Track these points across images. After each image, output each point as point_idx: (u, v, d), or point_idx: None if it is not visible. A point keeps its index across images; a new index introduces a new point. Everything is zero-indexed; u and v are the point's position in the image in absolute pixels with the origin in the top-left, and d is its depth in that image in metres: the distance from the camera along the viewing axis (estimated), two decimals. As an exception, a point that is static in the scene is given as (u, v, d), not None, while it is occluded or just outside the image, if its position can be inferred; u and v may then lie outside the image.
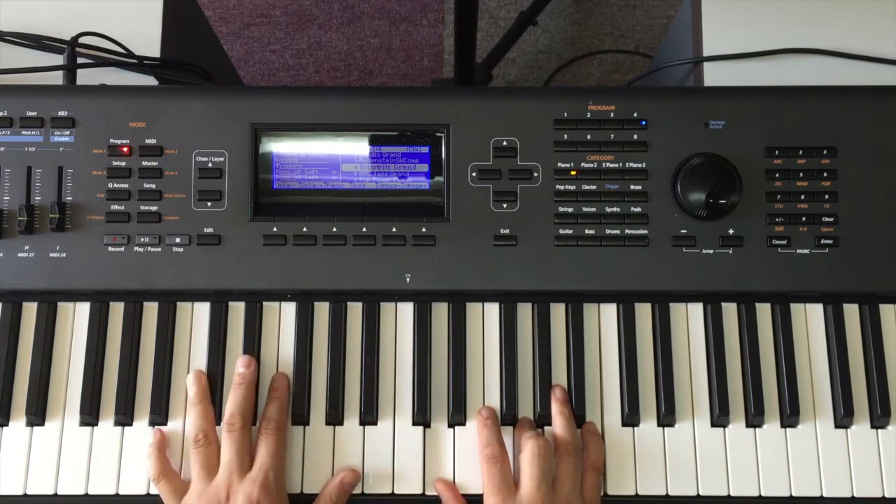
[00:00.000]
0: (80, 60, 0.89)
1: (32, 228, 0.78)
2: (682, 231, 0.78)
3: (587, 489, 0.74)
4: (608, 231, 0.79)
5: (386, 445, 0.77)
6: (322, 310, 0.80)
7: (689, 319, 0.80)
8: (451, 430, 0.77)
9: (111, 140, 0.80)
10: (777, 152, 0.79)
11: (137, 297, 0.80)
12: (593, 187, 0.79)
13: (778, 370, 0.79)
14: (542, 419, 0.77)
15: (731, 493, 0.76)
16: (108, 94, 0.81)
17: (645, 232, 0.79)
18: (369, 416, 0.77)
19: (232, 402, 0.75)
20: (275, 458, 0.73)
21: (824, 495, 0.76)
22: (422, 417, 0.77)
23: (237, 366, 0.77)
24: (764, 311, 0.80)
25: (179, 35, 0.97)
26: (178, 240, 0.78)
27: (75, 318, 0.80)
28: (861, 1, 0.95)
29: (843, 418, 0.77)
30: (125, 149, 0.79)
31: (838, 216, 0.79)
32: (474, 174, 0.79)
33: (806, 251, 0.78)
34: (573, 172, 0.79)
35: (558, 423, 0.76)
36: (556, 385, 0.78)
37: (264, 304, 0.80)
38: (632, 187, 0.79)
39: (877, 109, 0.80)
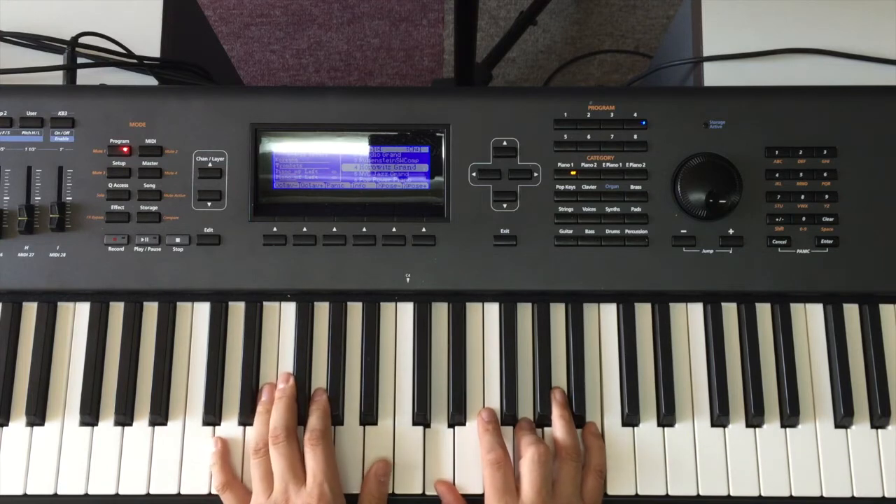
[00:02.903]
0: (80, 60, 0.89)
1: (32, 228, 0.78)
2: (682, 231, 0.78)
3: (588, 492, 0.74)
4: (608, 231, 0.79)
5: (386, 445, 0.77)
6: (322, 310, 0.80)
7: (689, 319, 0.80)
8: (451, 430, 0.77)
9: (111, 140, 0.80)
10: (777, 152, 0.79)
11: (137, 297, 0.80)
12: (593, 187, 0.79)
13: (778, 370, 0.79)
14: (542, 420, 0.77)
15: (731, 493, 0.76)
16: (108, 94, 0.81)
17: (645, 232, 0.79)
18: (369, 416, 0.77)
19: (274, 416, 0.75)
20: (325, 467, 0.73)
21: (824, 495, 0.76)
22: (422, 417, 0.77)
23: (278, 382, 0.77)
24: (764, 311, 0.80)
25: (179, 35, 0.97)
26: (178, 240, 0.78)
27: (75, 318, 0.80)
28: (861, 1, 0.95)
29: (843, 418, 0.77)
30: (125, 149, 0.79)
31: (838, 216, 0.79)
32: (474, 174, 0.79)
33: (806, 251, 0.78)
34: (573, 172, 0.79)
35: (558, 427, 0.76)
36: (556, 387, 0.78)
37: (264, 304, 0.80)
38: (632, 187, 0.79)
39: (877, 109, 0.80)
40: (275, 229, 0.79)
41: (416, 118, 0.80)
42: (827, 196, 0.79)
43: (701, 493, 0.76)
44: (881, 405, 0.77)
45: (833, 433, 0.77)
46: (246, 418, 0.77)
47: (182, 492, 0.76)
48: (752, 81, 0.90)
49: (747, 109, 0.80)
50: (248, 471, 0.76)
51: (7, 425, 0.77)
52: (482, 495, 0.75)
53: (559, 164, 0.79)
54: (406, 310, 0.80)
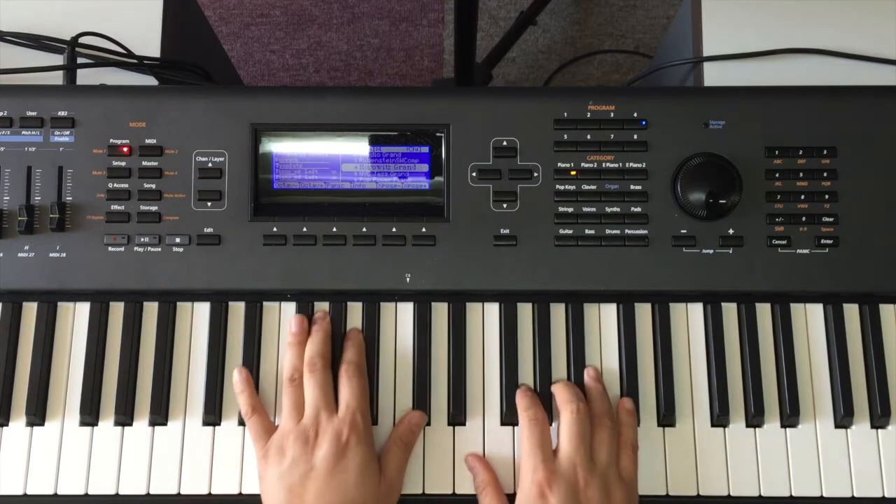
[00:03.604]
0: (80, 60, 0.89)
1: (32, 228, 0.78)
2: (682, 231, 0.78)
3: (623, 466, 0.74)
4: (608, 231, 0.79)
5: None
6: (322, 310, 0.80)
7: (689, 319, 0.80)
8: (451, 429, 0.78)
9: (111, 140, 0.80)
10: (777, 152, 0.79)
11: (137, 297, 0.80)
12: (593, 187, 0.79)
13: (778, 370, 0.79)
14: (542, 419, 0.77)
15: (731, 493, 0.76)
16: (108, 94, 0.81)
17: (645, 232, 0.79)
18: (370, 416, 0.77)
19: (311, 346, 0.77)
20: (360, 398, 0.74)
21: (824, 495, 0.76)
22: (422, 417, 0.77)
23: (314, 319, 0.79)
24: (764, 311, 0.80)
25: (179, 35, 0.97)
26: (178, 240, 0.78)
27: (75, 318, 0.80)
28: (861, 1, 0.95)
29: (843, 418, 0.77)
30: (125, 149, 0.79)
31: (838, 216, 0.79)
32: (474, 174, 0.79)
33: (806, 251, 0.78)
34: (573, 172, 0.79)
35: (594, 395, 0.76)
36: (590, 366, 0.78)
37: (264, 304, 0.80)
38: (632, 187, 0.79)
39: (877, 109, 0.80)
40: (275, 229, 0.79)
41: (416, 118, 0.80)
42: (827, 196, 0.79)
43: (701, 493, 0.76)
44: (881, 405, 0.77)
45: (833, 433, 0.77)
46: (246, 418, 0.77)
47: (182, 492, 0.76)
48: (752, 81, 0.90)
49: (747, 109, 0.80)
50: (250, 459, 0.76)
51: (7, 425, 0.77)
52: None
53: (559, 164, 0.79)
54: (406, 310, 0.80)
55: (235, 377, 0.77)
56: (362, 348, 0.78)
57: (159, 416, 0.77)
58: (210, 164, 0.79)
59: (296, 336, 0.78)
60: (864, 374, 0.79)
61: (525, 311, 0.80)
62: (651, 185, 0.79)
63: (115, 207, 0.79)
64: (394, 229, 0.79)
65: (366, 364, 0.78)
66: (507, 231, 0.79)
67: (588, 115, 0.80)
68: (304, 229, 0.79)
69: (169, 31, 0.94)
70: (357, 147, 0.80)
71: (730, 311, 0.80)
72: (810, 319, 0.80)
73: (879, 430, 0.77)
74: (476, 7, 1.22)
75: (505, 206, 0.79)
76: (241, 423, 0.77)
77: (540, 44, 1.70)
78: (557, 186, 0.79)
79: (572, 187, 0.79)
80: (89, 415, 0.77)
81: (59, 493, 0.76)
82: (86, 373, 0.78)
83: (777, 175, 0.79)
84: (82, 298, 0.80)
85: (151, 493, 0.76)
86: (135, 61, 0.91)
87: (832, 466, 0.76)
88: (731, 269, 0.78)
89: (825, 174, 0.79)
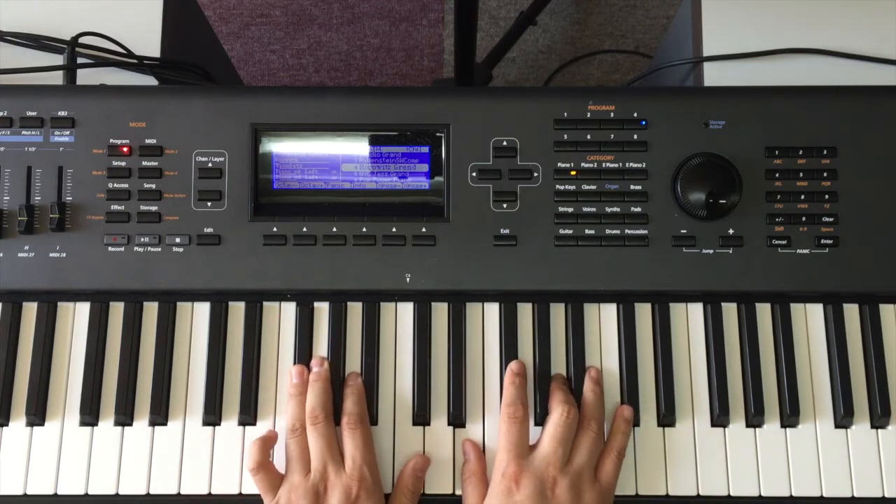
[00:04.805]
0: (80, 60, 0.89)
1: (32, 228, 0.78)
2: (682, 231, 0.78)
3: (603, 471, 0.74)
4: (608, 231, 0.79)
5: (386, 445, 0.77)
6: (322, 310, 0.80)
7: (689, 319, 0.80)
8: (451, 429, 0.78)
9: (111, 140, 0.80)
10: (777, 152, 0.79)
11: (137, 297, 0.80)
12: (593, 187, 0.79)
13: (778, 370, 0.79)
14: (541, 419, 0.77)
15: (731, 493, 0.76)
16: (108, 94, 0.81)
17: (645, 232, 0.79)
18: (369, 416, 0.77)
19: (311, 397, 0.76)
20: (364, 450, 0.74)
21: (824, 495, 0.76)
22: (422, 417, 0.77)
23: (312, 365, 0.78)
24: (764, 311, 0.80)
25: (179, 35, 0.97)
26: (178, 240, 0.78)
27: (75, 318, 0.80)
28: (861, 1, 0.95)
29: (843, 418, 0.77)
30: (125, 149, 0.79)
31: (838, 216, 0.79)
32: (474, 174, 0.79)
33: (806, 251, 0.78)
34: (573, 172, 0.79)
35: (588, 398, 0.76)
36: (591, 366, 0.78)
37: (264, 304, 0.80)
38: (632, 187, 0.79)
39: (877, 109, 0.80)
40: (275, 229, 0.79)
41: (416, 118, 0.80)
42: (827, 196, 0.79)
43: (701, 493, 0.76)
44: (881, 405, 0.77)
45: (833, 433, 0.77)
46: (246, 418, 0.77)
47: (182, 492, 0.76)
48: (752, 81, 0.90)
49: (747, 109, 0.80)
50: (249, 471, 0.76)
51: (7, 425, 0.77)
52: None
53: (559, 164, 0.79)
54: (406, 310, 0.80)
55: (263, 432, 0.77)
56: (362, 395, 0.77)
57: (159, 416, 0.77)
58: (210, 164, 0.79)
59: (297, 387, 0.77)
60: (864, 374, 0.79)
61: (525, 311, 0.80)
62: (651, 185, 0.79)
63: (115, 207, 0.79)
64: (394, 229, 0.79)
65: (367, 413, 0.76)
66: (507, 231, 0.79)
67: (588, 115, 0.80)
68: (304, 229, 0.79)
69: (169, 31, 0.94)
70: (357, 147, 0.80)
71: (730, 311, 0.80)
72: (810, 319, 0.80)
73: (879, 430, 0.77)
74: (476, 7, 1.22)
75: (505, 206, 0.79)
76: (241, 423, 0.78)
77: (540, 44, 1.70)
78: (557, 186, 0.79)
79: (572, 187, 0.79)
80: (89, 415, 0.77)
81: (59, 493, 0.76)
82: (86, 373, 0.78)
83: (777, 175, 0.79)
84: (82, 298, 0.80)
85: (151, 493, 0.76)
86: (135, 61, 0.91)
87: (832, 466, 0.76)
88: (731, 269, 0.78)
89: (825, 174, 0.79)
